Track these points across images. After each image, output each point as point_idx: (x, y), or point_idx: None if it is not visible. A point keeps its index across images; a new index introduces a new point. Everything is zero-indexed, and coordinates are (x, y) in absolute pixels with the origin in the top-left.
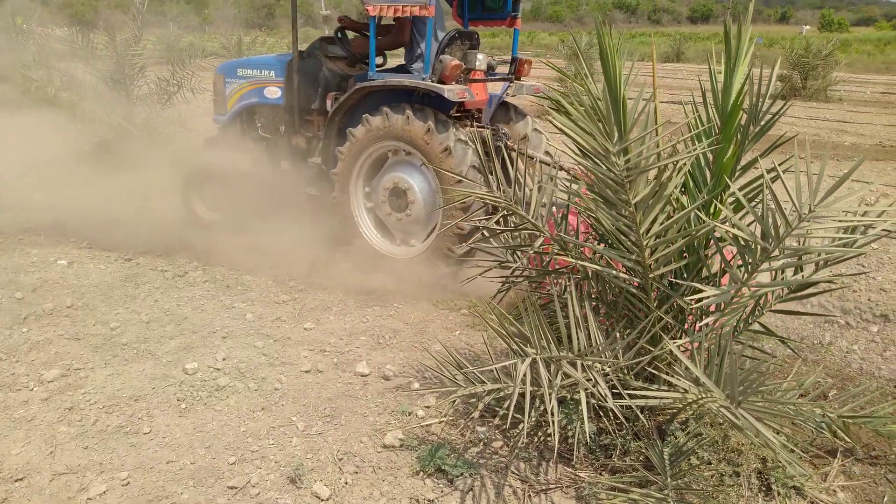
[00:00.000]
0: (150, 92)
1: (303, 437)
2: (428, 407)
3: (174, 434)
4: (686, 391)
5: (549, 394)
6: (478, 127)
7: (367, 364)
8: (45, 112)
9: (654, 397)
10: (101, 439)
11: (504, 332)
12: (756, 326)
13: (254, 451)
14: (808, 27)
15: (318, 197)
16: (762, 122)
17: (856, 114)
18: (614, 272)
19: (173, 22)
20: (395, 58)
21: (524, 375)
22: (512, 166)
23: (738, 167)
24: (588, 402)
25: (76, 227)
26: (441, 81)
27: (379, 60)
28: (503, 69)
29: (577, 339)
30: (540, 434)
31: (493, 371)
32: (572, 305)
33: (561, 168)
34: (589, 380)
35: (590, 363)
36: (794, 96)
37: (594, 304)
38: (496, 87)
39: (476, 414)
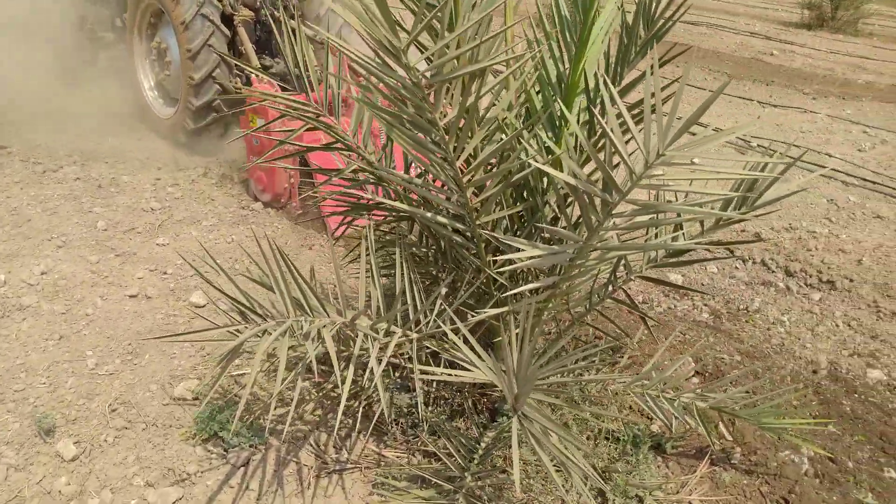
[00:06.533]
0: None
1: (87, 377)
2: (250, 350)
3: None
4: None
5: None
6: None
7: (204, 293)
8: None
9: (440, 378)
10: None
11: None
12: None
13: (17, 391)
14: None
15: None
16: (657, 27)
17: (883, 50)
18: (429, 214)
19: None
20: None
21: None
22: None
23: (620, 84)
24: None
25: None
26: None
27: None
28: None
29: (379, 299)
30: (362, 399)
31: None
32: (400, 259)
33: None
34: (383, 348)
35: (384, 338)
36: (821, 27)
37: (416, 252)
38: None
39: (281, 367)
